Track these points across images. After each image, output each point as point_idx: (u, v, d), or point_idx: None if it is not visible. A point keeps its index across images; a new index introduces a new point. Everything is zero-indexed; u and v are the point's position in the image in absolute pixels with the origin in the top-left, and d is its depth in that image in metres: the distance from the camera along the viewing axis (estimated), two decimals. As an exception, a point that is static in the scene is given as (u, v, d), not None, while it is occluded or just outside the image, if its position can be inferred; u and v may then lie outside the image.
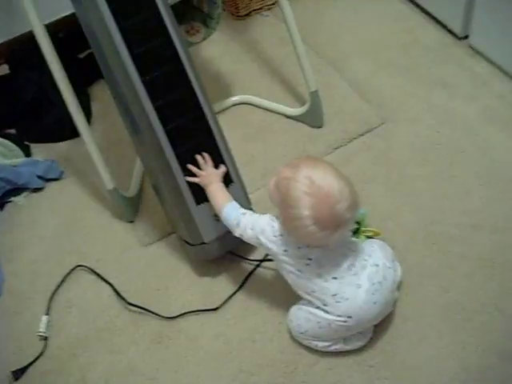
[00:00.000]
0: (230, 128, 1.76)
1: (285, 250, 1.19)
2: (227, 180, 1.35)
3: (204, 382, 1.30)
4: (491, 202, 1.50)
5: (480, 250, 1.41)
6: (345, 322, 1.19)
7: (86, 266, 1.51)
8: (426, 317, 1.32)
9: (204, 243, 1.38)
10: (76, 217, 1.64)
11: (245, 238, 1.26)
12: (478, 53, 1.84)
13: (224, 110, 1.82)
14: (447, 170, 1.59)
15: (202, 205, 1.34)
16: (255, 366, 1.30)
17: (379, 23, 2.03)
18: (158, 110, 1.24)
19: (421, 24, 1.99)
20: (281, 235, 1.19)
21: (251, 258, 1.46)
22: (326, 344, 1.26)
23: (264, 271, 1.45)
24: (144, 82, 1.22)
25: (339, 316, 1.18)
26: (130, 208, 1.59)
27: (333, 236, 1.11)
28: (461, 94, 1.76)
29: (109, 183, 1.50)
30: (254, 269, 1.45)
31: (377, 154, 1.66)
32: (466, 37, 1.87)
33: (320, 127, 1.73)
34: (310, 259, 1.17)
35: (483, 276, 1.37)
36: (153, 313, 1.40)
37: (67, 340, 1.40)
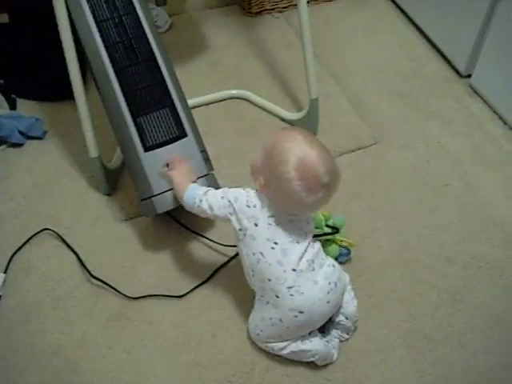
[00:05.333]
0: (224, 120, 1.76)
1: (255, 225, 1.17)
2: (179, 134, 1.36)
3: (156, 369, 1.25)
4: (468, 238, 1.51)
5: (451, 282, 1.42)
6: (296, 316, 1.17)
7: (53, 231, 1.45)
8: (390, 340, 1.31)
9: (153, 195, 1.34)
10: (51, 180, 1.58)
11: (214, 210, 1.21)
12: (476, 93, 1.86)
13: (220, 100, 1.80)
14: (430, 200, 1.59)
15: (151, 152, 1.33)
16: (212, 360, 1.26)
17: (386, 47, 2.04)
18: (109, 53, 1.31)
19: (426, 55, 2.01)
20: (254, 206, 1.18)
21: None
22: (281, 345, 1.23)
23: (235, 266, 1.41)
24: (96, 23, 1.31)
25: (291, 310, 1.17)
26: (109, 180, 1.54)
27: (312, 196, 1.12)
28: (455, 129, 1.78)
29: (93, 151, 1.45)
30: (225, 263, 1.42)
31: (364, 172, 1.65)
32: (469, 76, 1.90)
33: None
34: (276, 243, 1.16)
35: (450, 308, 1.37)
36: (115, 289, 1.35)
37: (21, 303, 1.34)
